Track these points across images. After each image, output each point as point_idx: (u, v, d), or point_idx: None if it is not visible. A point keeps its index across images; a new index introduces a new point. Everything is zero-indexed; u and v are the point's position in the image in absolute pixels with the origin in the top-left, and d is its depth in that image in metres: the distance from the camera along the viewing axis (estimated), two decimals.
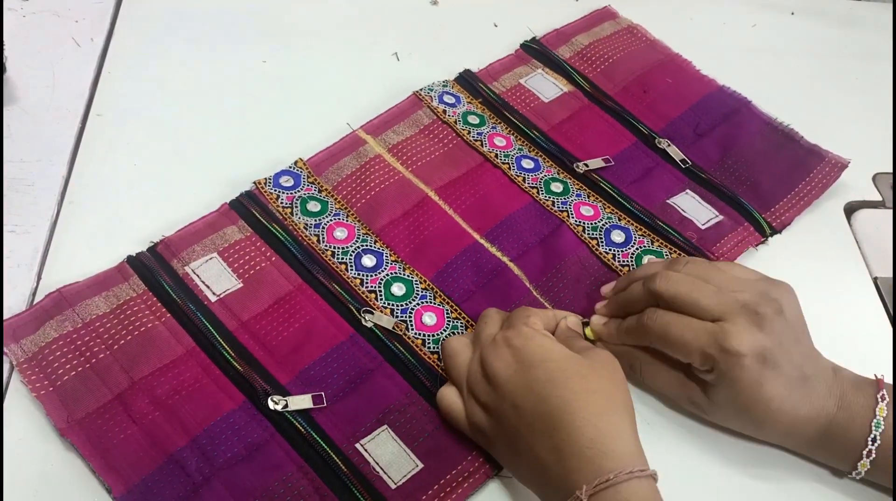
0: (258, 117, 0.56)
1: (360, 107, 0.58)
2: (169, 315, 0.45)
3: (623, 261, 0.51)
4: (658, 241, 0.52)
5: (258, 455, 0.40)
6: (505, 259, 0.50)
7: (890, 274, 0.53)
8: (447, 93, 0.59)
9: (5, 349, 0.42)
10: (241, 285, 0.47)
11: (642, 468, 0.34)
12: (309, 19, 0.64)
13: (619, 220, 0.53)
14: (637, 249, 0.51)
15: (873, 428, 0.39)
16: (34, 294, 0.45)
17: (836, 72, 0.67)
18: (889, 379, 0.42)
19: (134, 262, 0.47)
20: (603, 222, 0.52)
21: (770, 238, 0.53)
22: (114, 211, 0.50)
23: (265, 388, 0.42)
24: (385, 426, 0.42)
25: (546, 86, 0.61)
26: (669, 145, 0.57)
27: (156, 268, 0.46)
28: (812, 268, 0.52)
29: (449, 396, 0.42)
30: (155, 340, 0.44)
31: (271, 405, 0.41)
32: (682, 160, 0.57)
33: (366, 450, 0.41)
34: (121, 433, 0.40)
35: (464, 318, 0.47)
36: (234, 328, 0.45)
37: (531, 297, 0.48)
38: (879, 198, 0.57)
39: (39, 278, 0.46)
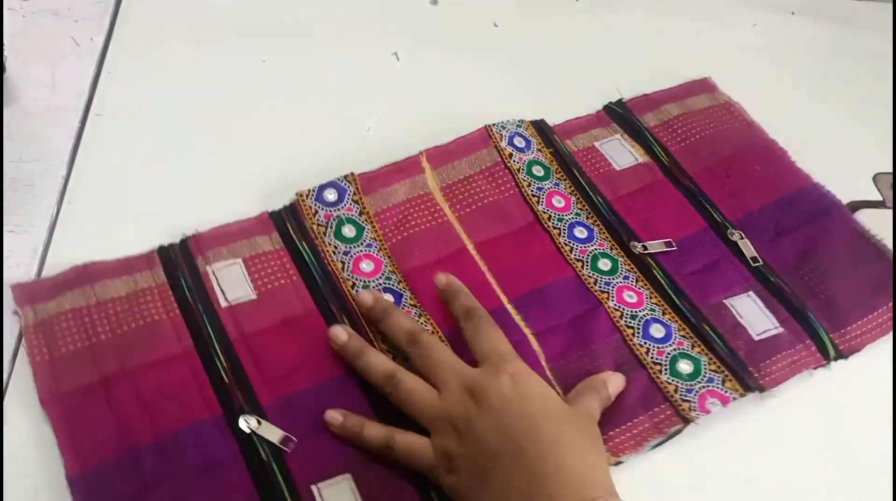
0: (258, 117, 0.56)
1: (360, 106, 0.58)
2: (178, 311, 0.45)
3: (657, 358, 0.45)
4: (699, 346, 0.46)
5: (214, 472, 0.39)
6: (527, 331, 0.46)
7: None
8: (519, 134, 0.55)
9: (18, 309, 0.42)
10: (255, 296, 0.46)
11: (616, 497, 0.37)
12: (309, 19, 0.64)
13: (663, 314, 0.47)
14: (675, 349, 0.46)
15: None
16: None
17: (836, 72, 0.67)
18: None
19: (164, 252, 0.47)
20: (645, 313, 0.47)
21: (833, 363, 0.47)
22: (113, 211, 0.50)
23: (242, 406, 0.41)
24: (348, 474, 0.40)
25: (621, 153, 0.56)
26: (742, 238, 0.51)
27: (179, 262, 0.46)
28: None
29: (409, 436, 0.41)
30: (157, 333, 0.44)
31: (241, 424, 0.40)
32: (753, 258, 0.50)
33: (321, 495, 0.39)
34: (95, 416, 0.40)
35: None
36: (235, 338, 0.44)
37: (544, 377, 0.44)
38: (879, 198, 0.57)
39: (39, 278, 0.46)
